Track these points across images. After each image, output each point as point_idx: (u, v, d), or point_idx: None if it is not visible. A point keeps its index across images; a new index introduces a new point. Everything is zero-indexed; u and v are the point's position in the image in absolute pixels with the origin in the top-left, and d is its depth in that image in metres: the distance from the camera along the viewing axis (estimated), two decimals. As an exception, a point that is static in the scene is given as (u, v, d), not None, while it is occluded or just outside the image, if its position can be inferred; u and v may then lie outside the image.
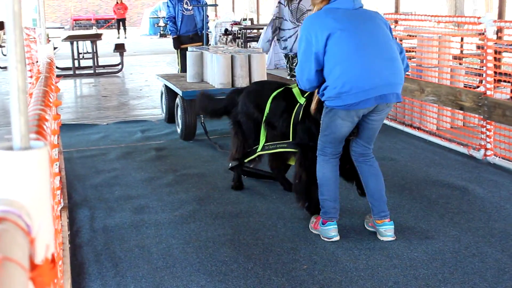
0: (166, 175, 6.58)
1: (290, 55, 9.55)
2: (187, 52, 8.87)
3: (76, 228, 5.14)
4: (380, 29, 4.55)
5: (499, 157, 6.75)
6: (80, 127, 9.25)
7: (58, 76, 6.82)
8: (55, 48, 15.28)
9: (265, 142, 5.53)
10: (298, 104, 5.17)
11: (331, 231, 4.69)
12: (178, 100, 8.27)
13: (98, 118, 10.02)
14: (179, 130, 8.31)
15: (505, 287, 3.97)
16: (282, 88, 5.50)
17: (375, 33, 4.50)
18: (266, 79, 8.23)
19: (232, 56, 8.09)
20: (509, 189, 5.90)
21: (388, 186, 4.64)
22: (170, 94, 8.92)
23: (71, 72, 15.16)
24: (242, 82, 8.02)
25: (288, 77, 9.54)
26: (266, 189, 6.01)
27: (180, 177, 6.50)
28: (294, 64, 9.63)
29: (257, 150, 5.60)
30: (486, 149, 6.85)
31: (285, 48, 9.52)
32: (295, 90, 5.25)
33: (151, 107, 10.92)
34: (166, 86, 9.04)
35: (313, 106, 4.87)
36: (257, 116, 5.59)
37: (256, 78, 8.08)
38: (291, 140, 5.24)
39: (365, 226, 4.91)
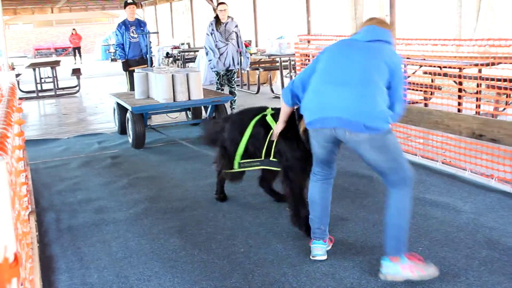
0: (121, 179, 6.47)
1: (221, 73, 9.75)
2: (134, 73, 8.79)
3: (44, 229, 5.00)
4: (368, 60, 3.70)
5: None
6: (45, 141, 9.01)
7: (20, 98, 6.62)
8: (18, 75, 14.95)
9: (240, 160, 5.00)
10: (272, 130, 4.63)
11: (315, 250, 4.07)
12: (128, 115, 8.12)
13: (60, 133, 9.77)
14: (130, 140, 8.18)
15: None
16: (260, 115, 4.84)
17: (358, 61, 3.71)
18: (202, 93, 8.23)
19: (172, 75, 8.04)
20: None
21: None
22: (121, 110, 8.79)
23: (34, 95, 14.79)
24: (182, 97, 8.00)
25: (218, 90, 9.76)
26: (207, 187, 5.97)
27: (133, 180, 6.41)
28: (223, 81, 9.84)
29: (234, 167, 5.02)
30: (387, 143, 7.00)
31: (215, 65, 9.71)
32: (269, 118, 4.71)
33: (106, 121, 10.71)
34: (117, 103, 8.88)
35: (301, 129, 4.29)
36: (239, 140, 5.00)
37: (194, 93, 8.10)
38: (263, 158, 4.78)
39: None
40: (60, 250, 4.52)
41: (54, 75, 15.25)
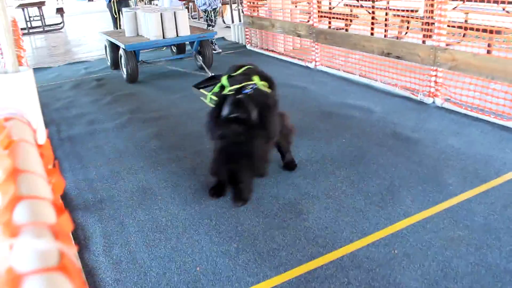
0: (106, 97, 6.37)
1: (208, 10, 9.12)
2: (123, 13, 7.90)
3: (48, 138, 4.94)
4: None
5: (324, 66, 6.99)
6: (39, 70, 8.64)
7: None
8: (11, 14, 14.04)
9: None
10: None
11: None
12: (121, 52, 7.29)
13: (51, 62, 9.38)
14: (124, 76, 7.23)
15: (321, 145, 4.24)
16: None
17: None
18: (188, 30, 7.38)
19: (161, 14, 7.22)
20: (331, 86, 6.17)
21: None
22: (113, 47, 7.91)
23: (25, 31, 14.00)
24: (171, 33, 7.23)
25: (208, 28, 9.04)
26: (177, 100, 5.96)
27: (116, 97, 6.32)
28: (213, 17, 9.18)
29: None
30: (316, 61, 7.07)
31: (204, 4, 9.05)
32: (223, 80, 3.44)
33: (89, 51, 10.31)
34: (109, 40, 7.94)
35: None
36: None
37: (181, 29, 7.30)
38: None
39: None
40: (63, 154, 4.51)
41: (41, 14, 14.43)
